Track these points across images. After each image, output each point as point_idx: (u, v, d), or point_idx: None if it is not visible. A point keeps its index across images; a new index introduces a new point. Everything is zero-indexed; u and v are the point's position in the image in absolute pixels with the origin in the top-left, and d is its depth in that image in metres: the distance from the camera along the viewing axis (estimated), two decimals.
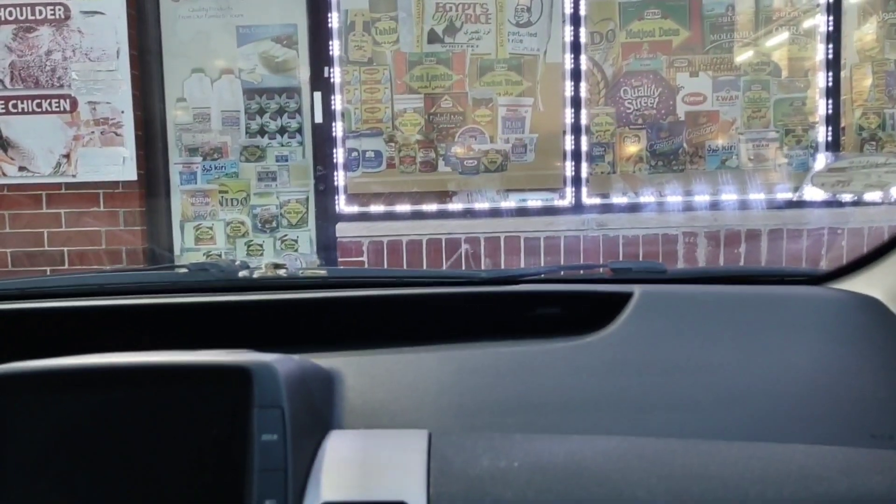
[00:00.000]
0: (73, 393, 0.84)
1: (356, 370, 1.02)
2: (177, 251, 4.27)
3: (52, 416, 0.83)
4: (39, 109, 4.03)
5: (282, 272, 1.28)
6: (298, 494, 0.80)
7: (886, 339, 1.06)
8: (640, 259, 4.01)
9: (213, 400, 0.83)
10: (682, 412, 0.96)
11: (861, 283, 1.18)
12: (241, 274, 1.26)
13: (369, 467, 0.83)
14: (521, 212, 4.21)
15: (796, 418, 0.95)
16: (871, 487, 0.83)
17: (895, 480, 0.84)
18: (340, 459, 0.84)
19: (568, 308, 1.21)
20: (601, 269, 1.36)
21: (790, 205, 4.13)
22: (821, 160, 4.14)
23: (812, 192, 3.68)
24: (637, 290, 1.15)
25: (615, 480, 0.82)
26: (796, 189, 4.06)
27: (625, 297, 1.14)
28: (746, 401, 0.97)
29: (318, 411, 0.92)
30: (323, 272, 1.31)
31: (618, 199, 4.26)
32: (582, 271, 1.53)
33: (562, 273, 1.45)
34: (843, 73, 4.29)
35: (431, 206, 4.22)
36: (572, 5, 4.19)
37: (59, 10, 3.99)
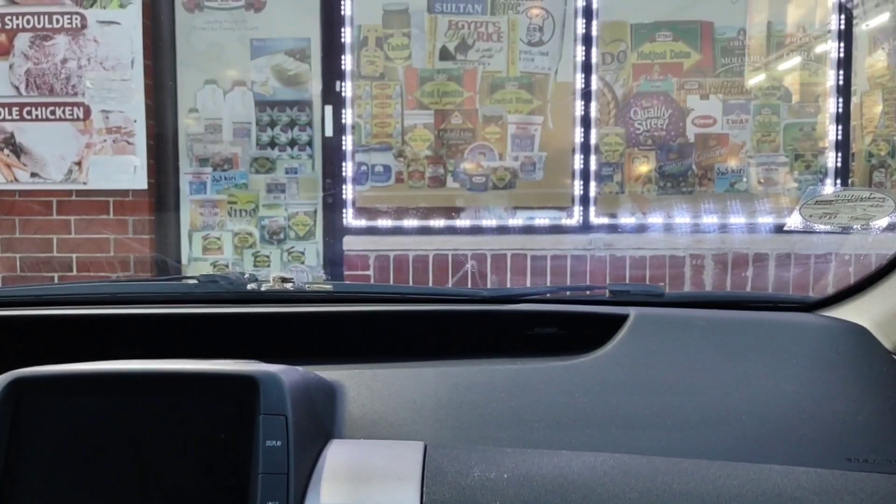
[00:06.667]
0: (87, 397, 0.88)
1: (357, 383, 1.06)
2: (184, 261, 4.29)
3: (67, 419, 0.87)
4: (53, 117, 4.06)
5: (289, 286, 1.30)
6: (299, 498, 0.84)
7: (869, 367, 1.10)
8: (646, 280, 4.01)
9: (220, 406, 0.87)
10: (668, 431, 0.99)
11: (850, 312, 1.21)
12: (250, 286, 1.29)
13: (367, 475, 0.88)
14: (529, 230, 4.22)
15: (778, 440, 0.98)
16: None
17: (864, 501, 0.87)
18: (340, 466, 0.89)
19: (566, 328, 1.24)
20: (601, 291, 1.38)
21: (798, 229, 4.10)
22: (827, 188, 4.14)
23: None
24: (633, 312, 1.18)
25: (599, 494, 0.87)
26: None
27: (621, 319, 1.17)
28: (731, 422, 1.01)
29: (320, 420, 0.96)
30: (329, 286, 1.33)
31: (626, 220, 4.26)
32: (583, 293, 1.56)
33: (562, 294, 1.47)
34: (853, 100, 4.29)
35: (439, 222, 4.23)
36: (584, 26, 4.22)
37: (76, 19, 4.04)
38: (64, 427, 0.87)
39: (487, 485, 0.87)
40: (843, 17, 4.23)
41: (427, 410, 1.01)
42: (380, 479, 0.87)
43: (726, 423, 1.00)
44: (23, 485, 0.85)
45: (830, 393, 1.05)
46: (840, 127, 4.25)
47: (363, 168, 4.29)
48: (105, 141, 4.06)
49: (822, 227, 1.24)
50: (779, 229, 4.18)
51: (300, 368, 0.97)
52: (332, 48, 4.22)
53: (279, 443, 0.83)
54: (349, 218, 4.24)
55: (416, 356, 1.14)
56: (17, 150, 4.07)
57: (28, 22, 4.05)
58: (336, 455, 0.90)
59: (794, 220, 1.22)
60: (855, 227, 1.22)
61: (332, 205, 4.24)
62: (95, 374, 0.89)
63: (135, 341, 1.23)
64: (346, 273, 4.10)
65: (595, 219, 4.25)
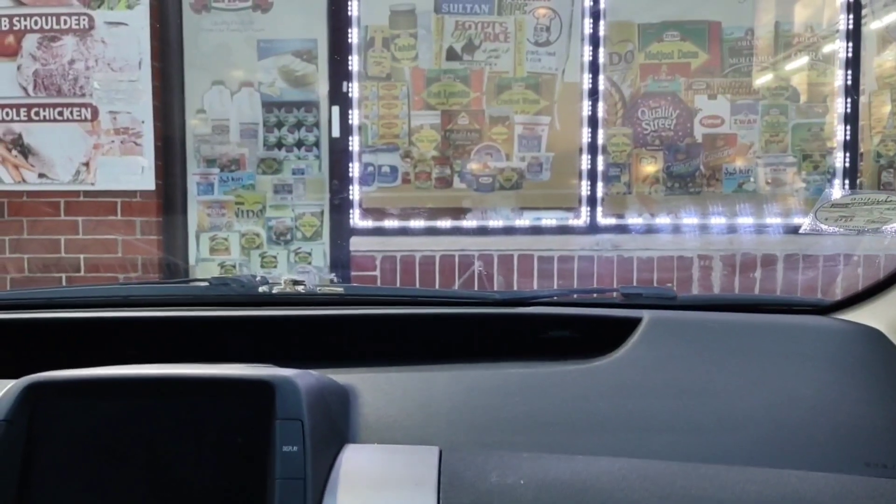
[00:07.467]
0: (102, 401, 0.88)
1: (371, 386, 1.05)
2: (191, 261, 4.29)
3: (82, 423, 0.87)
4: (61, 118, 4.07)
5: (300, 288, 1.29)
6: (317, 503, 0.83)
7: (886, 371, 1.09)
8: (654, 281, 4.00)
9: (236, 411, 0.87)
10: (685, 435, 0.98)
11: (865, 315, 1.20)
12: (261, 289, 1.29)
13: (384, 480, 0.88)
14: (536, 230, 4.21)
15: (795, 444, 0.97)
16: None
17: None
18: (356, 472, 0.88)
19: (579, 331, 1.24)
20: (613, 294, 1.38)
21: (813, 232, 4.08)
22: (836, 188, 4.12)
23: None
24: (646, 315, 1.18)
25: (617, 500, 0.86)
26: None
27: (634, 322, 1.16)
28: (748, 426, 1.00)
29: (335, 425, 0.96)
30: (340, 289, 1.33)
31: (633, 221, 4.25)
32: (594, 295, 1.55)
33: (574, 296, 1.47)
34: (861, 100, 4.27)
35: (445, 223, 4.22)
36: (591, 26, 4.21)
37: (84, 20, 4.05)
38: (79, 431, 0.87)
39: (505, 491, 0.86)
40: (851, 16, 4.22)
41: (441, 414, 1.01)
42: (397, 485, 0.86)
43: (743, 428, 1.00)
44: (39, 489, 0.85)
45: (847, 397, 1.04)
46: (848, 127, 4.23)
47: (370, 169, 4.28)
48: (113, 142, 4.07)
49: (836, 230, 1.24)
50: (787, 230, 4.16)
51: (314, 372, 0.97)
52: (338, 49, 4.22)
53: (296, 448, 0.83)
54: (356, 219, 4.24)
55: (429, 359, 1.14)
56: (25, 151, 4.08)
57: (36, 23, 4.06)
58: (352, 460, 0.90)
59: (809, 224, 1.21)
60: (870, 229, 1.21)
61: (339, 206, 4.24)
62: (111, 378, 0.89)
63: (147, 344, 1.23)
64: (352, 274, 4.10)
65: (602, 219, 4.24)
